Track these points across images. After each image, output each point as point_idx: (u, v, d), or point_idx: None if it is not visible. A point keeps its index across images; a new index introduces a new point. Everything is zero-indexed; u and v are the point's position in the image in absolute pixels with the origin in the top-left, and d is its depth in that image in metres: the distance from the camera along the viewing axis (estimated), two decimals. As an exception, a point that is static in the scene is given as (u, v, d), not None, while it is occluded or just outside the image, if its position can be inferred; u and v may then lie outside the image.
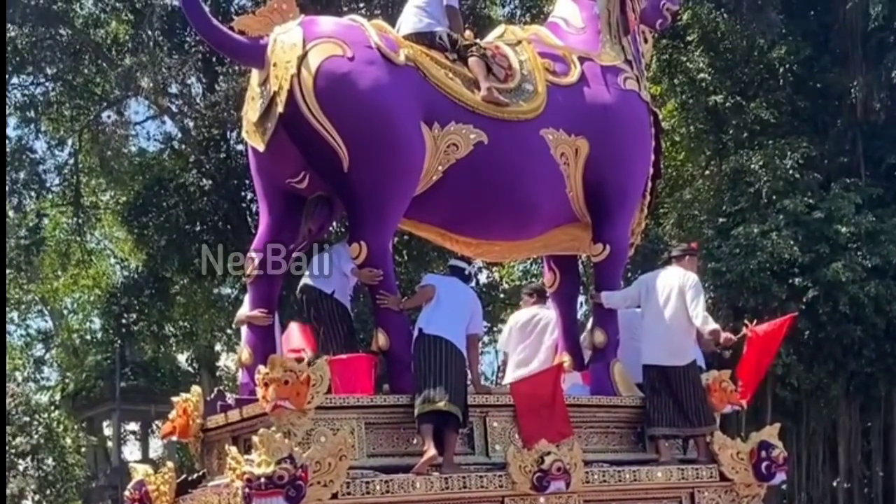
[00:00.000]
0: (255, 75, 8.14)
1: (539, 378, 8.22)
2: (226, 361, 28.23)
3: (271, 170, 8.14)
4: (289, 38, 7.85)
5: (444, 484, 7.34)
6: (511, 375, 9.24)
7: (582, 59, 9.05)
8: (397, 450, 7.61)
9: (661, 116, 10.24)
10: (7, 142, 21.88)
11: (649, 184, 9.36)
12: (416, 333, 7.79)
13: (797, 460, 21.85)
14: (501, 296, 25.38)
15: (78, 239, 25.57)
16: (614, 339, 8.90)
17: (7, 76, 20.90)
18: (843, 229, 19.32)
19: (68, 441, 28.45)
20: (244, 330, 8.38)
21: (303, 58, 7.72)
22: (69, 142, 24.31)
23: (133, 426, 30.13)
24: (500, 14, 22.60)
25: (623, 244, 9.13)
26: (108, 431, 29.67)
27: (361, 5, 20.69)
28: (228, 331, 24.77)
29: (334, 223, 11.73)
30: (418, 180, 8.04)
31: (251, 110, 8.06)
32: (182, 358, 29.28)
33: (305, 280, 8.31)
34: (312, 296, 8.22)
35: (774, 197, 20.00)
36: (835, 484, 22.78)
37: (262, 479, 6.60)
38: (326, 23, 8.22)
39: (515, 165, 8.38)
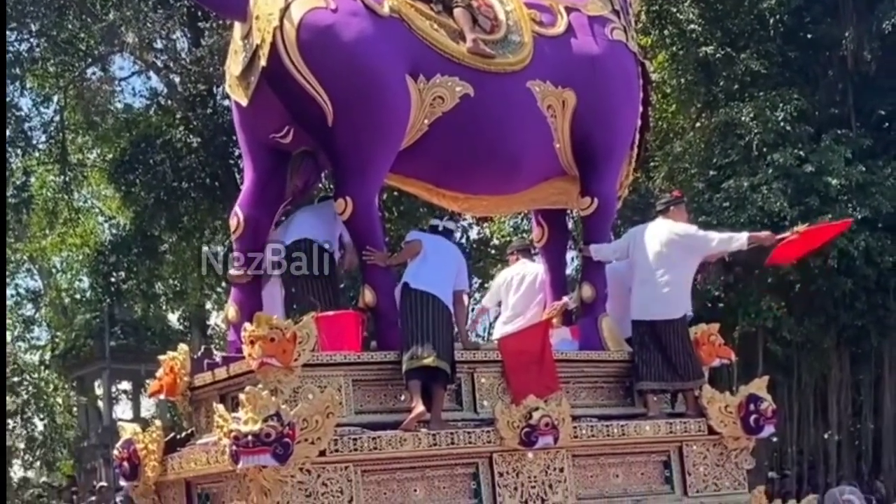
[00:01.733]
0: (237, 28, 7.99)
1: (527, 333, 8.17)
2: (216, 319, 28.21)
3: (255, 124, 8.02)
4: None
5: (433, 440, 7.30)
6: (499, 331, 9.19)
7: (568, 10, 8.92)
8: (385, 406, 7.57)
9: (650, 68, 10.12)
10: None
11: (637, 136, 9.25)
12: (401, 288, 7.70)
13: (788, 413, 21.95)
14: (492, 251, 25.34)
15: (65, 197, 25.41)
16: (602, 294, 8.84)
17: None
18: (834, 182, 19.24)
19: (59, 401, 28.47)
20: (232, 287, 8.31)
21: (285, 10, 7.58)
22: (55, 98, 24.09)
23: (124, 385, 30.17)
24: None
25: (611, 197, 9.05)
26: (99, 391, 29.70)
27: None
28: (219, 289, 24.69)
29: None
30: (404, 134, 7.93)
31: (234, 64, 7.94)
32: (173, 317, 29.24)
33: (301, 234, 8.05)
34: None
35: (765, 149, 19.90)
36: (826, 436, 22.90)
37: (250, 437, 6.54)
38: None
39: (502, 118, 8.29)
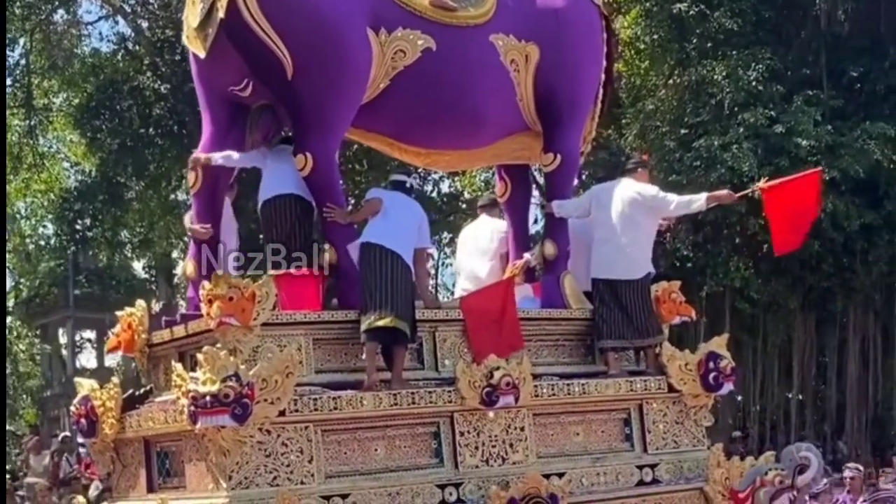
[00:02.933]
0: None
1: (489, 292, 8.10)
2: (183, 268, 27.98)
3: (213, 77, 7.87)
4: None
5: (393, 400, 7.24)
6: (461, 286, 9.12)
7: None
8: (346, 366, 7.49)
9: (622, 23, 9.91)
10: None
11: (601, 91, 9.16)
12: (360, 245, 7.58)
13: (752, 373, 22.12)
14: (463, 206, 25.29)
15: (30, 142, 25.09)
16: (564, 251, 8.76)
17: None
18: (804, 143, 19.24)
19: (21, 348, 28.26)
20: (190, 242, 8.18)
21: None
22: (20, 41, 23.72)
23: (88, 334, 29.96)
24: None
25: (574, 154, 8.96)
26: (63, 339, 29.52)
27: None
28: (185, 237, 24.48)
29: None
30: (365, 89, 7.81)
31: (191, 15, 7.76)
32: (138, 265, 29.03)
33: (284, 188, 7.79)
34: (299, 207, 7.78)
35: (736, 109, 19.85)
36: (789, 397, 23.08)
37: (208, 398, 6.46)
38: None
39: (464, 72, 8.17)
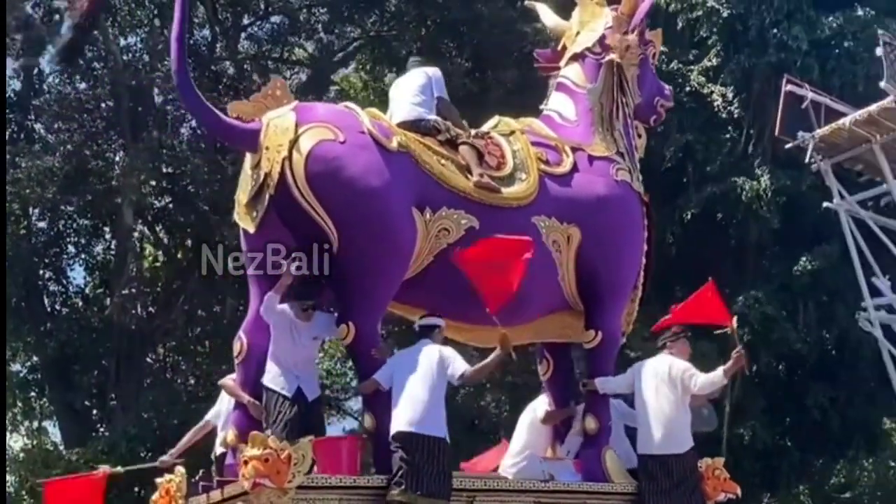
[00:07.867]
0: (248, 158, 8.19)
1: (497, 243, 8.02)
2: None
3: (261, 252, 8.11)
4: (281, 123, 7.99)
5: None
6: (509, 460, 9.04)
7: (574, 150, 9.21)
8: (381, 530, 7.46)
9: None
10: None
11: (642, 274, 9.41)
12: (392, 437, 7.63)
13: None
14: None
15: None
16: (606, 426, 8.88)
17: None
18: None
19: None
20: (229, 409, 8.32)
21: (294, 142, 7.86)
22: None
23: None
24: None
25: (616, 331, 9.14)
26: None
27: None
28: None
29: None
30: (408, 264, 8.12)
31: (242, 192, 8.15)
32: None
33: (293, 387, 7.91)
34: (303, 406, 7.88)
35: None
36: None
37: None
38: (319, 108, 8.48)
39: None
